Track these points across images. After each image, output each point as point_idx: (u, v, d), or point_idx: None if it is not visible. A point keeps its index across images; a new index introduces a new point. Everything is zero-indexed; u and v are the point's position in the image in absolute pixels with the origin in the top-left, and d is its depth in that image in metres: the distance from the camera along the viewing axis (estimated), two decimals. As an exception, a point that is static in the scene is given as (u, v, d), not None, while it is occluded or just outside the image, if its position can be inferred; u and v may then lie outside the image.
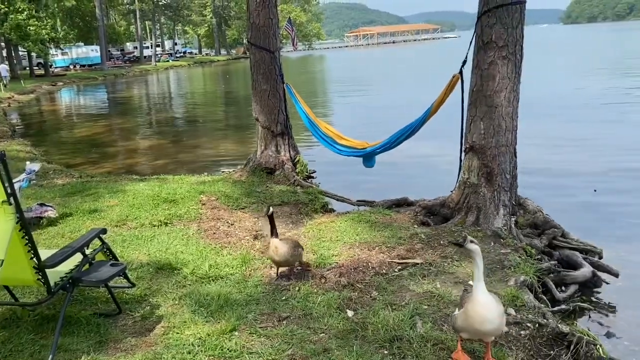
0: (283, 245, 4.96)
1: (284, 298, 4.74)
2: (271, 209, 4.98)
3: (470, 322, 3.50)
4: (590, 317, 5.18)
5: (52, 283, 3.89)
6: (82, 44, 69.01)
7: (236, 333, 4.14)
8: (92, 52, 67.45)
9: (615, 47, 53.30)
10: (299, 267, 5.27)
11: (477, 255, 3.51)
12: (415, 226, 6.56)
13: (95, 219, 7.07)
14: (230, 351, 3.88)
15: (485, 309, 3.45)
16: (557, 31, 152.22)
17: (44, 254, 3.94)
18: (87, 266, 4.34)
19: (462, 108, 6.66)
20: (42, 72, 54.25)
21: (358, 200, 8.34)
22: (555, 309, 4.95)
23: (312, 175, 9.83)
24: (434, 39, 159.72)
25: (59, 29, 54.52)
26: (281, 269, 5.21)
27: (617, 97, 18.94)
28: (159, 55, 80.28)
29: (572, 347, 3.98)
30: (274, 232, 4.95)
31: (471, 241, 3.54)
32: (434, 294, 4.68)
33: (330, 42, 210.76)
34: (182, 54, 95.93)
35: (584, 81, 24.27)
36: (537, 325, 4.17)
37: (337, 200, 8.55)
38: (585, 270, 5.68)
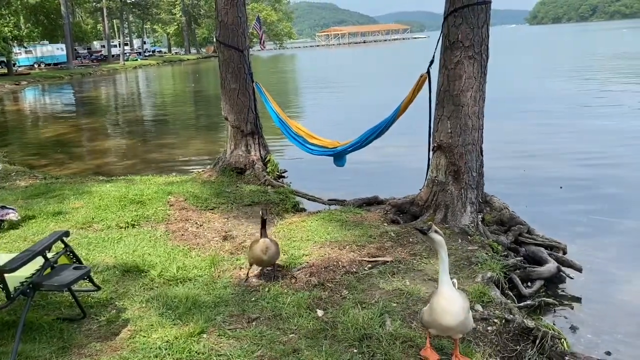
0: (273, 245, 4.97)
1: (253, 299, 4.71)
2: (266, 213, 5.03)
3: (434, 316, 3.54)
4: (555, 311, 5.29)
5: (11, 288, 3.78)
6: (47, 42, 67.30)
7: (204, 335, 4.09)
8: (57, 50, 65.83)
9: (579, 47, 54.64)
10: (270, 268, 5.24)
11: (440, 247, 3.52)
12: (385, 224, 6.60)
13: (59, 221, 6.90)
14: (198, 354, 3.84)
15: (449, 302, 3.48)
16: (524, 32, 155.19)
17: (4, 258, 3.84)
18: (48, 270, 4.23)
19: (430, 107, 6.73)
20: (4, 71, 52.83)
21: (329, 200, 8.35)
22: (522, 304, 5.04)
23: (283, 175, 9.79)
24: (403, 39, 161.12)
25: (23, 27, 53.14)
26: (254, 270, 5.18)
27: (580, 96, 19.43)
28: (127, 54, 78.92)
29: (537, 341, 4.05)
30: (263, 233, 4.94)
31: (436, 231, 3.53)
32: (403, 292, 4.71)
33: (301, 41, 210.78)
34: (151, 53, 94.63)
35: (549, 80, 24.80)
36: (503, 320, 4.23)
37: (308, 199, 8.54)
38: (550, 266, 5.80)
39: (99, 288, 4.69)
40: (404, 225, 6.55)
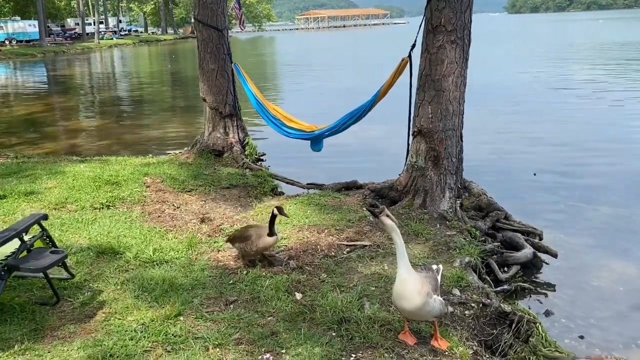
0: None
1: (231, 282, 4.66)
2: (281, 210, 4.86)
3: (393, 300, 3.58)
4: (530, 296, 5.37)
5: (-17, 269, 3.67)
6: (19, 18, 65.38)
7: (181, 318, 4.04)
8: (29, 27, 63.97)
9: (560, 37, 55.22)
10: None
11: (392, 231, 3.47)
12: (364, 209, 6.59)
13: (32, 201, 6.73)
14: (175, 337, 3.79)
15: (404, 286, 3.45)
16: (505, 20, 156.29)
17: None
18: (24, 253, 4.13)
19: (410, 92, 6.70)
20: (-26, 46, 51.20)
21: (308, 184, 8.31)
22: (498, 289, 5.10)
23: (261, 158, 9.71)
24: (383, 24, 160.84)
25: (-7, 2, 51.51)
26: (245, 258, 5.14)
27: (557, 83, 19.66)
28: (103, 33, 77.08)
29: (513, 325, 4.11)
30: (273, 230, 4.80)
31: (387, 215, 3.46)
32: (381, 276, 4.71)
33: (280, 24, 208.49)
34: (127, 32, 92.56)
35: (526, 68, 25.01)
36: (480, 305, 4.27)
37: (287, 183, 8.49)
38: (527, 251, 5.87)
39: (72, 276, 4.60)
40: (382, 209, 6.55)
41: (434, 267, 3.92)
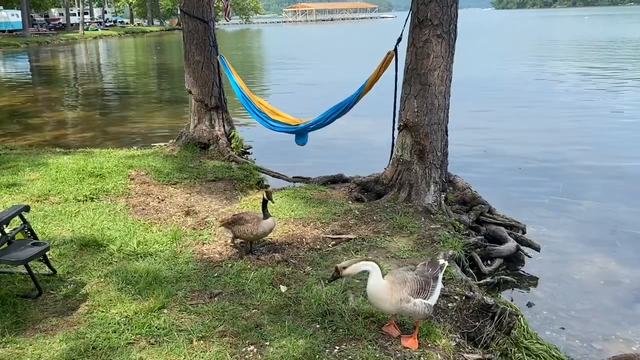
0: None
1: (215, 275, 4.65)
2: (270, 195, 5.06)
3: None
4: (513, 289, 5.43)
5: (-38, 261, 3.62)
6: (1, 7, 64.24)
7: (165, 311, 4.03)
8: (12, 16, 62.92)
9: (547, 33, 55.62)
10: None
11: (362, 267, 3.57)
12: (350, 202, 6.60)
13: (13, 193, 6.65)
14: (158, 329, 3.78)
15: (372, 298, 3.59)
16: (493, 16, 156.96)
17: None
18: (5, 245, 4.09)
19: (396, 86, 6.71)
20: (-45, 36, 50.25)
21: (294, 177, 8.30)
22: (481, 281, 5.14)
23: (247, 151, 9.67)
24: (371, 18, 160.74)
25: (-25, -10, 50.55)
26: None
27: (541, 79, 19.81)
28: (87, 24, 76.04)
29: (496, 318, 4.15)
30: (267, 213, 4.96)
31: (343, 267, 3.58)
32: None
33: (268, 16, 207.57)
34: (112, 23, 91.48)
35: (509, 63, 25.17)
36: (464, 297, 4.31)
37: (273, 176, 8.47)
38: (510, 245, 5.93)
39: (54, 272, 4.55)
40: (368, 203, 6.57)
41: (441, 262, 3.84)
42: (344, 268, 3.59)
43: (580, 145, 10.71)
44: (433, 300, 3.66)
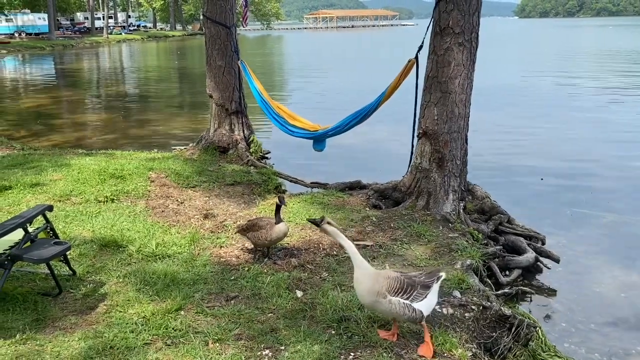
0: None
1: (232, 278, 4.68)
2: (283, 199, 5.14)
3: None
4: (531, 300, 5.36)
5: (-12, 259, 3.70)
6: (29, 11, 65.63)
7: (182, 312, 4.06)
8: (39, 20, 64.24)
9: (568, 42, 55.04)
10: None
11: (337, 236, 3.75)
12: (367, 209, 6.60)
13: (36, 193, 6.77)
14: (175, 330, 3.81)
15: (355, 283, 3.68)
16: (517, 25, 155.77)
17: (-22, 227, 3.74)
18: (28, 243, 4.16)
19: (416, 93, 6.70)
20: (-17, 38, 51.43)
21: (312, 182, 8.31)
22: (499, 292, 5.09)
23: (266, 155, 9.72)
24: (392, 25, 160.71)
25: (4, -6, 51.70)
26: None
27: (564, 89, 19.59)
28: (112, 28, 77.40)
29: (513, 329, 4.10)
30: (279, 218, 5.01)
31: (328, 222, 3.72)
32: (382, 276, 4.70)
33: (289, 22, 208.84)
34: (135, 28, 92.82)
35: (533, 73, 24.94)
36: (481, 307, 4.26)
37: (291, 181, 8.50)
38: (529, 256, 5.86)
39: (74, 272, 4.61)
40: (385, 210, 6.55)
41: (440, 274, 3.74)
42: (329, 223, 3.75)
43: (606, 156, 10.55)
44: (421, 306, 3.57)
